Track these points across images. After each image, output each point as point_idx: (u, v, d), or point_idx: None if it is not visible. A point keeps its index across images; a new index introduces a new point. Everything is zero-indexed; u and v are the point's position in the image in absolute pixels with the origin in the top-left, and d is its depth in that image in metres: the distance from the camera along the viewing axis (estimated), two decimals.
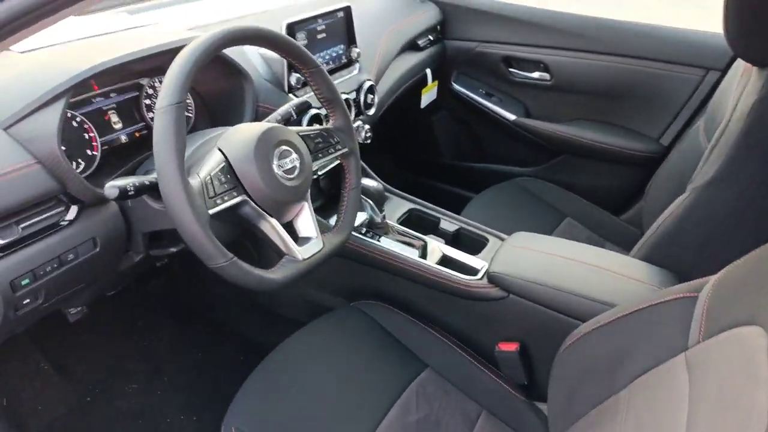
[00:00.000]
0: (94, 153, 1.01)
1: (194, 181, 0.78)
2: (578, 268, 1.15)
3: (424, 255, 1.29)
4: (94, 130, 1.01)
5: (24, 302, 0.85)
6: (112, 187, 0.77)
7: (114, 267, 1.01)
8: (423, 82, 1.91)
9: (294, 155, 0.90)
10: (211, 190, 0.79)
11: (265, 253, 1.40)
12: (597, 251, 1.23)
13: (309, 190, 0.95)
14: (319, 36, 1.29)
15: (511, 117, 1.97)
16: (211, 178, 0.80)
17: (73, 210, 0.88)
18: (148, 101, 1.12)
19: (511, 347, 1.18)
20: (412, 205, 1.46)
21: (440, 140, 2.20)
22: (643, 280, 1.10)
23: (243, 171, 0.84)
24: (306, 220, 0.95)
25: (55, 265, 0.86)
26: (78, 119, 0.99)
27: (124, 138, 1.08)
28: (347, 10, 1.36)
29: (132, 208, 0.96)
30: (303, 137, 0.97)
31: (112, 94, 1.06)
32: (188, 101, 1.18)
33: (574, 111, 1.92)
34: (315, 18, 1.26)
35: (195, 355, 1.56)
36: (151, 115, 1.12)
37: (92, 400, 1.41)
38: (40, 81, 0.88)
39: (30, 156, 0.83)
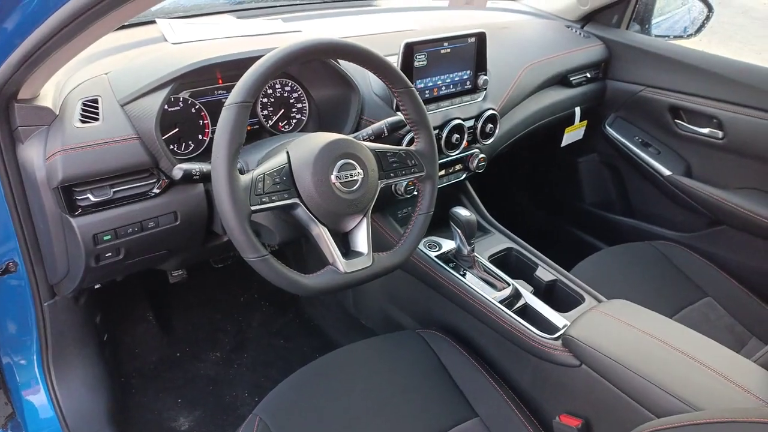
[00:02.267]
0: (204, 138, 1.13)
1: (245, 177, 0.82)
2: (670, 355, 0.98)
3: (508, 300, 1.21)
4: (209, 117, 1.12)
5: (105, 255, 0.98)
6: (178, 169, 0.85)
7: (196, 241, 1.11)
8: (569, 120, 1.79)
9: (357, 169, 0.91)
10: (260, 188, 0.83)
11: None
12: (707, 343, 1.04)
13: (370, 206, 0.95)
14: (443, 59, 1.28)
15: (667, 172, 1.75)
16: (264, 177, 0.84)
17: (163, 184, 0.99)
18: (264, 100, 1.21)
19: (572, 422, 1.05)
20: (511, 244, 1.37)
21: (583, 184, 2.04)
22: (750, 390, 0.90)
23: (300, 175, 0.87)
24: (361, 235, 0.95)
25: (136, 229, 0.97)
26: (197, 106, 1.11)
27: None
28: (481, 37, 1.33)
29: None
30: (378, 154, 0.97)
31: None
32: (303, 105, 1.25)
33: (746, 178, 1.65)
34: (440, 41, 1.25)
35: (278, 341, 1.65)
36: (265, 112, 1.22)
37: (181, 356, 1.57)
38: (162, 69, 1.00)
39: (133, 131, 0.95)
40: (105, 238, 0.94)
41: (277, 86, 1.23)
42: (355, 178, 0.90)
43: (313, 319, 1.74)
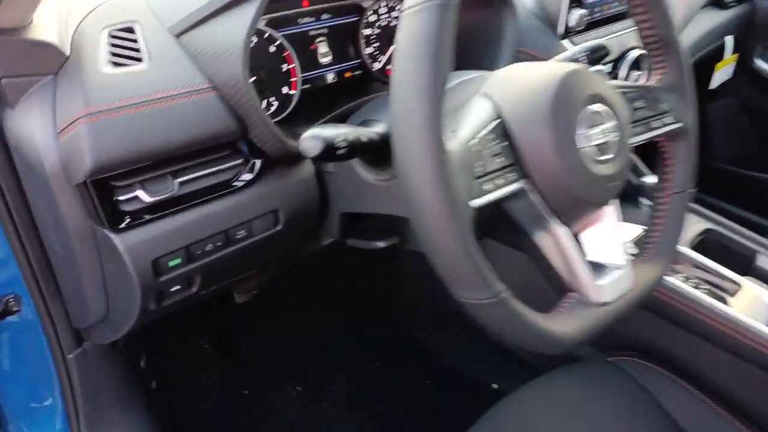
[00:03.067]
0: (292, 91, 0.73)
1: (454, 146, 0.43)
2: None
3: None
4: (295, 59, 0.73)
5: (172, 289, 0.59)
6: (314, 138, 0.45)
7: (296, 251, 0.73)
8: (718, 55, 1.38)
9: (611, 123, 0.51)
10: (480, 166, 0.44)
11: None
12: None
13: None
14: None
15: None
16: (480, 143, 0.45)
17: (255, 166, 0.60)
18: (368, 31, 0.82)
19: None
20: (709, 225, 0.98)
21: (717, 136, 1.64)
22: None
23: (528, 138, 0.48)
24: (607, 235, 0.56)
25: (220, 244, 0.59)
26: (277, 42, 0.71)
27: (331, 77, 0.79)
28: None
29: (333, 176, 0.66)
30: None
31: (324, 15, 0.77)
32: None
33: None
34: None
35: (374, 365, 1.25)
36: (369, 50, 0.82)
37: (250, 393, 1.18)
38: None
39: (203, 78, 0.56)
40: (171, 263, 0.56)
41: (381, 10, 0.83)
42: (608, 138, 0.51)
43: (412, 330, 1.35)
